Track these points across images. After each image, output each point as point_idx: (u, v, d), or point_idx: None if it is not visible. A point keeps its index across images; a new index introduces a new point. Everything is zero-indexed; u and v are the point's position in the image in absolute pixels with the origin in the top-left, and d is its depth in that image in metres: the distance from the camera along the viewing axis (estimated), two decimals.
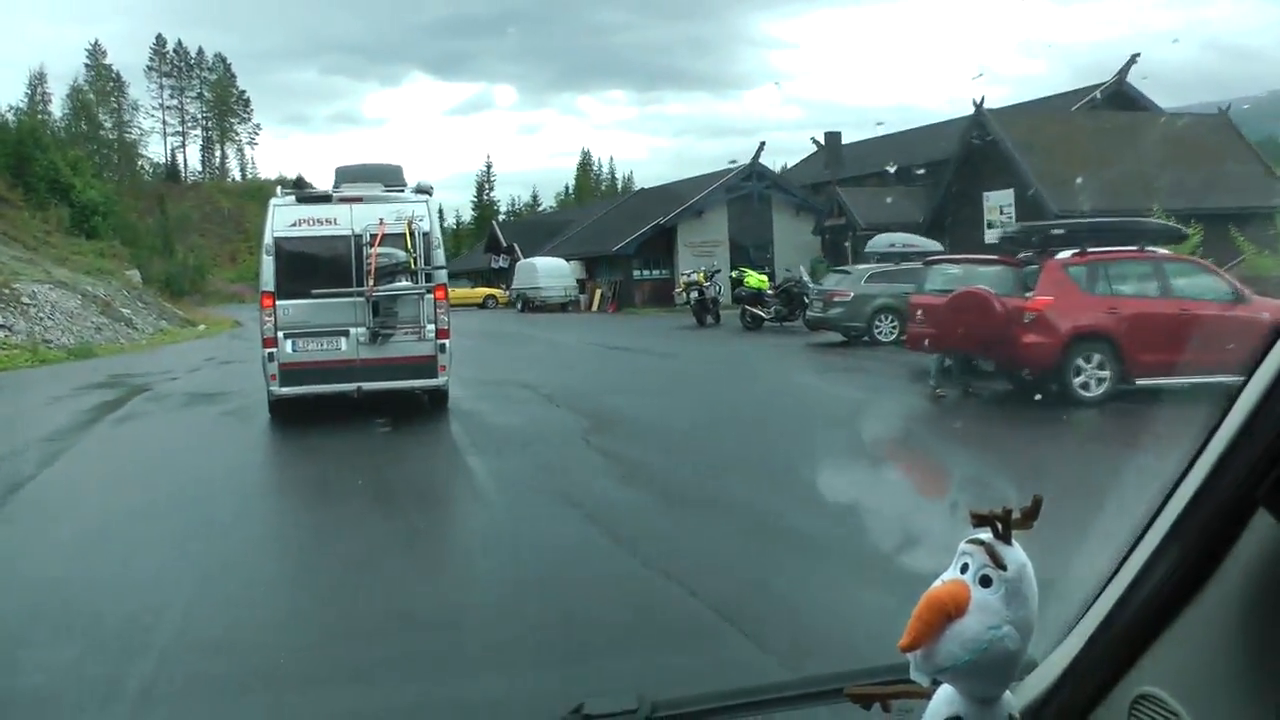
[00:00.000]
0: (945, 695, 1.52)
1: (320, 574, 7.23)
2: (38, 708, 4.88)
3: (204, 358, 28.27)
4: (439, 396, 14.31)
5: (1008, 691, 1.54)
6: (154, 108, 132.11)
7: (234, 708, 4.79)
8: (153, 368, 25.39)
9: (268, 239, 13.33)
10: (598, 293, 48.03)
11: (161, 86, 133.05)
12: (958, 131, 46.49)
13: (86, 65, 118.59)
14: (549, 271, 47.95)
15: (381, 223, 13.28)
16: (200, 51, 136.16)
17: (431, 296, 13.55)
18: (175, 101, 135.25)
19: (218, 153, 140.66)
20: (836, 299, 23.79)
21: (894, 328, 23.19)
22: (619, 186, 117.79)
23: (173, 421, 15.69)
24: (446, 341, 13.65)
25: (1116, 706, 1.46)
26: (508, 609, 6.05)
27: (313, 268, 13.33)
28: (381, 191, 13.90)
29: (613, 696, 1.84)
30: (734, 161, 49.68)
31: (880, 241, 25.73)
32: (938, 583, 1.48)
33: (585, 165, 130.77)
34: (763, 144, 48.08)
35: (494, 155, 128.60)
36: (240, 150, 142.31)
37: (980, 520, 1.48)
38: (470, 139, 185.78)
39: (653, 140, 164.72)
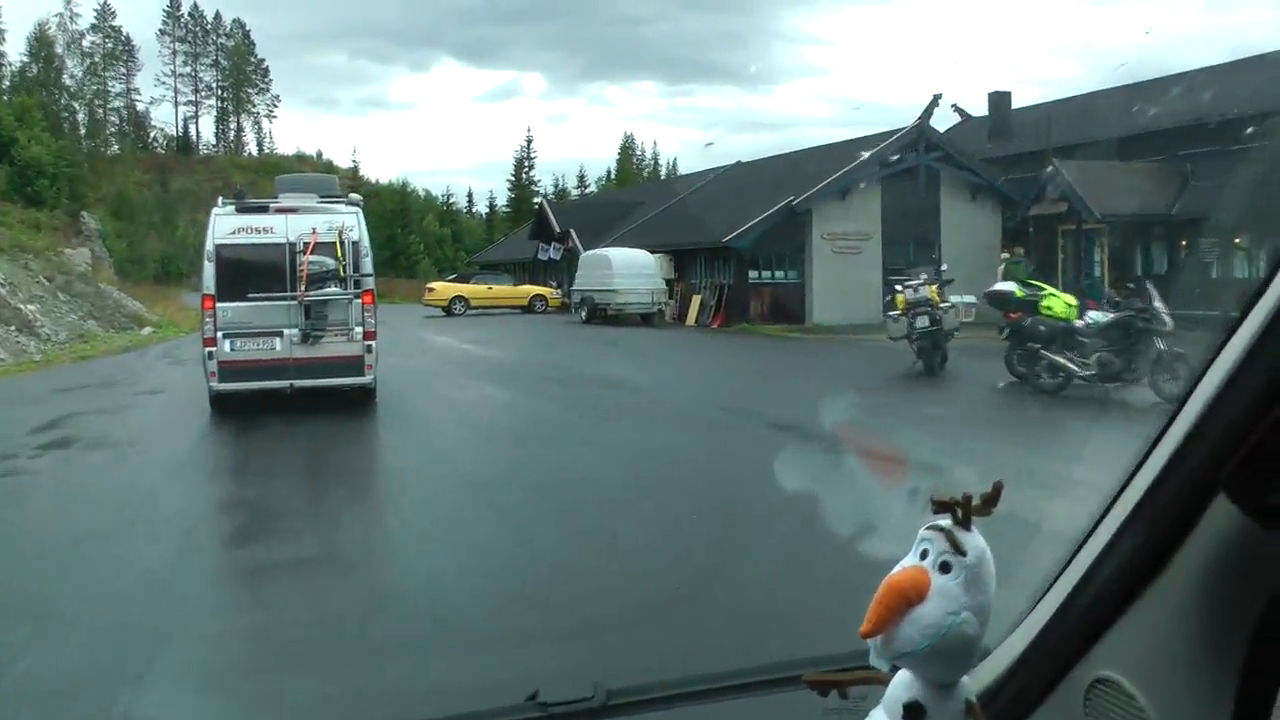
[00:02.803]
0: (903, 681, 1.51)
1: None
2: None
3: (56, 415, 15.16)
4: (367, 393, 14.95)
5: (965, 677, 1.52)
6: (165, 74, 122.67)
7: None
8: None
9: (209, 246, 14.29)
10: (695, 300, 34.40)
11: (175, 52, 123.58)
12: (1176, 91, 33.59)
13: (84, 19, 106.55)
14: (629, 267, 34.35)
15: (314, 232, 14.36)
16: (217, 16, 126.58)
17: (359, 301, 14.58)
18: (189, 69, 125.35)
19: (233, 125, 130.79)
20: None
21: None
22: (662, 174, 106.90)
23: None
24: (373, 343, 14.71)
25: (1073, 690, 1.48)
26: None
27: (250, 273, 14.23)
28: (316, 202, 14.98)
29: (568, 683, 1.87)
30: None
31: None
32: (897, 569, 1.47)
33: (628, 150, 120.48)
34: (937, 98, 34.70)
35: (522, 143, 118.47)
36: (257, 123, 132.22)
37: (940, 506, 1.47)
38: (498, 127, 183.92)
39: (682, 133, 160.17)
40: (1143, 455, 1.38)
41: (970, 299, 33.35)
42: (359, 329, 14.58)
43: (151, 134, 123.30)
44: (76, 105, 69.18)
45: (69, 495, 10.26)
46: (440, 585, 6.69)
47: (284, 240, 14.29)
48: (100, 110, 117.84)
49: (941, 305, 18.53)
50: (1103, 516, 1.45)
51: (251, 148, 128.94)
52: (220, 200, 15.04)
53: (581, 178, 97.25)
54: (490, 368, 21.33)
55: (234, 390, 14.29)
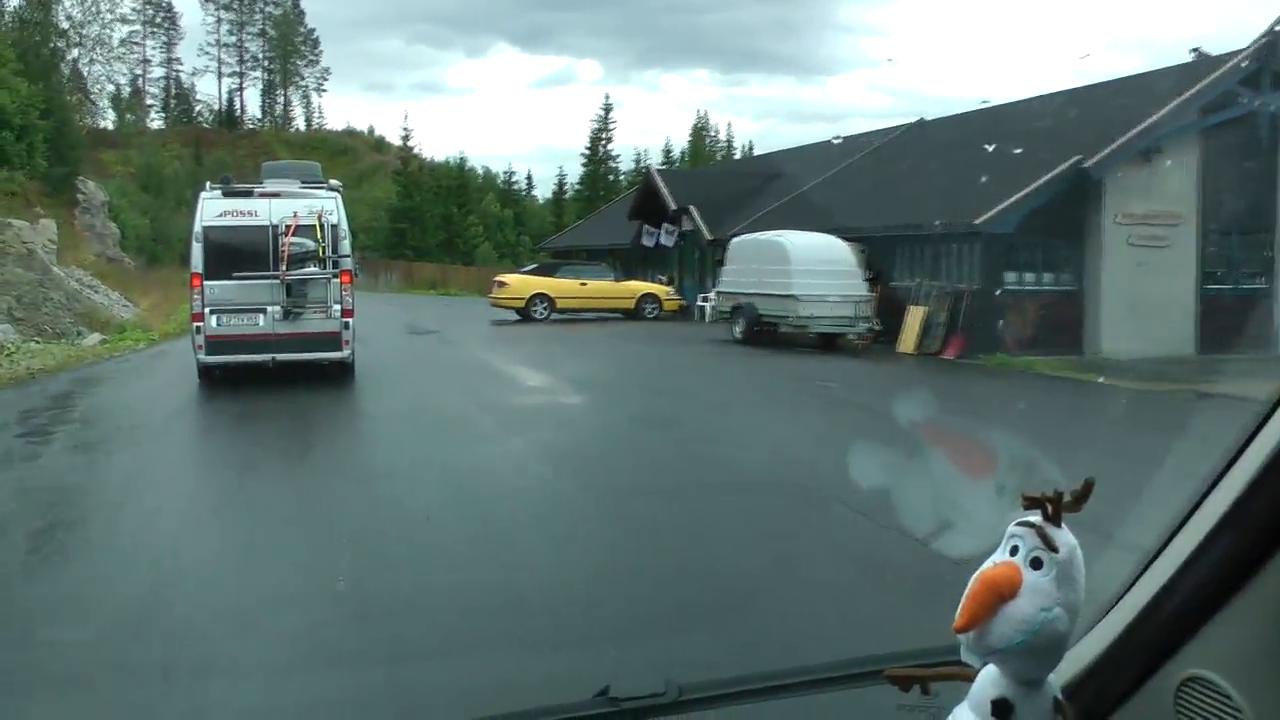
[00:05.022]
0: (990, 677, 1.50)
1: None
2: None
3: None
4: (344, 367, 15.84)
5: (1051, 674, 1.50)
6: (209, 44, 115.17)
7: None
8: None
9: (197, 228, 15.12)
10: (916, 314, 22.43)
11: (219, 21, 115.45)
12: None
13: None
14: (817, 262, 22.19)
15: (295, 215, 15.10)
16: None
17: (338, 280, 15.34)
18: (234, 39, 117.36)
19: (280, 98, 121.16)
20: None
21: None
22: (736, 156, 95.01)
23: None
24: (350, 320, 15.46)
25: (1163, 688, 1.45)
26: None
27: (236, 253, 14.94)
28: (299, 187, 15.75)
29: (639, 679, 1.81)
30: None
31: None
32: (987, 564, 1.45)
33: (701, 131, 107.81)
34: None
35: (575, 131, 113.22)
36: (306, 97, 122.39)
37: (1031, 503, 1.46)
38: (554, 113, 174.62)
39: (736, 122, 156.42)
40: (1237, 449, 1.34)
41: None
42: (337, 306, 15.32)
43: (196, 108, 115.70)
44: (70, 50, 58.21)
45: None
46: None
47: (267, 223, 15.06)
48: (140, 80, 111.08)
49: None
50: (1193, 510, 1.42)
51: (299, 122, 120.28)
52: (208, 184, 16.01)
53: (667, 152, 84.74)
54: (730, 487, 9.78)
55: (220, 363, 15.24)
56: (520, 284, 31.45)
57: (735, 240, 25.42)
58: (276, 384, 15.42)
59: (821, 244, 22.71)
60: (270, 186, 15.57)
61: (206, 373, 15.37)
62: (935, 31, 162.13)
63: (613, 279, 32.64)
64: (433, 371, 18.49)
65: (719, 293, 25.53)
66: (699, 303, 31.34)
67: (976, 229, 20.83)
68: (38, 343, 22.05)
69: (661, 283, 34.00)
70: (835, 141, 34.50)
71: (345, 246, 15.55)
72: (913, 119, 33.86)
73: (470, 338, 25.81)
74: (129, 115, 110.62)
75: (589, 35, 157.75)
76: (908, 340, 22.11)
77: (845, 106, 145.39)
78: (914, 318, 22.19)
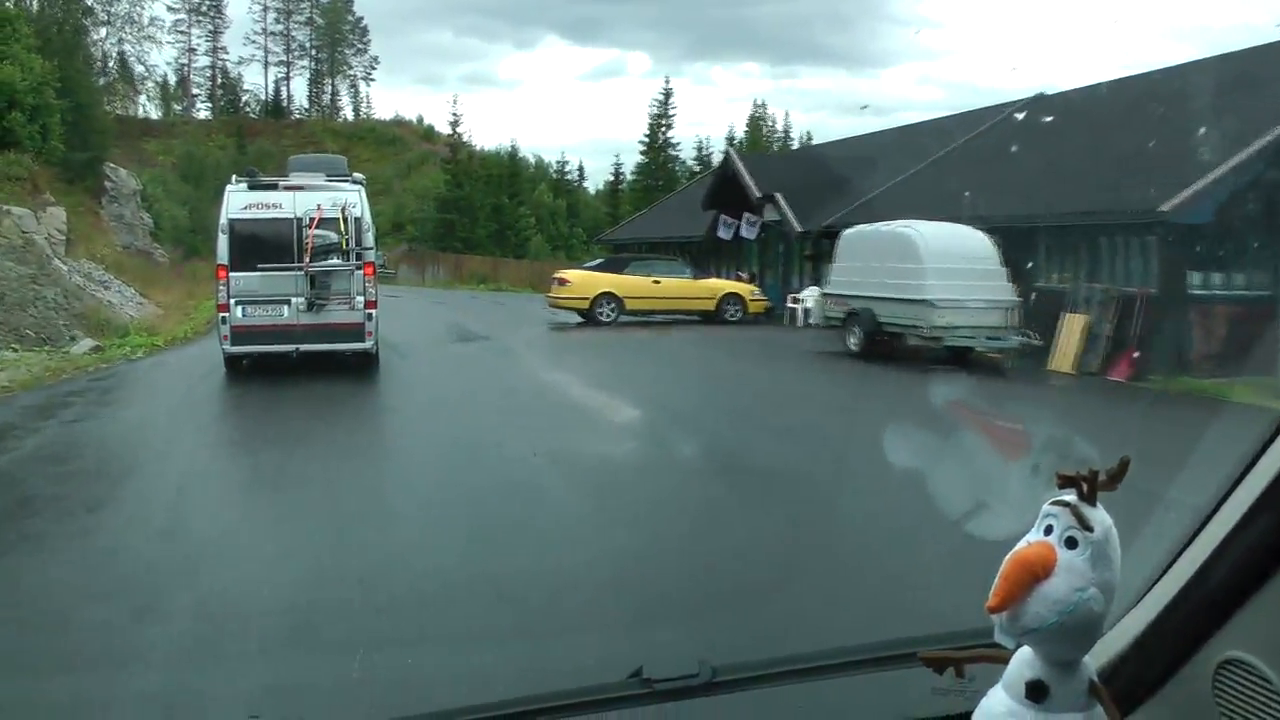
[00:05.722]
0: (1025, 658, 1.46)
1: None
2: None
3: None
4: (367, 358, 16.06)
5: (1086, 656, 1.45)
6: (255, 33, 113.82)
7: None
8: None
9: (223, 220, 15.32)
10: (1074, 323, 18.20)
11: (266, 9, 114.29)
12: None
13: None
14: (953, 259, 17.92)
15: (319, 208, 15.30)
16: None
17: (361, 272, 15.55)
18: (280, 26, 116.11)
19: (327, 87, 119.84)
20: None
21: None
22: (794, 146, 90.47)
23: None
24: (373, 311, 15.67)
25: (1200, 671, 1.42)
26: None
27: (260, 245, 15.20)
28: (323, 180, 15.89)
29: (672, 661, 1.78)
30: None
31: None
32: (1021, 544, 1.42)
33: (758, 120, 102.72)
34: None
35: (627, 124, 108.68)
36: (354, 86, 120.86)
37: (1066, 481, 1.42)
38: (604, 106, 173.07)
39: (787, 114, 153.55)
40: (1272, 432, 1.31)
41: None
42: (360, 298, 15.51)
43: (243, 98, 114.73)
44: (97, 29, 54.81)
45: None
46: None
47: (291, 215, 15.20)
48: (186, 69, 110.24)
49: None
50: (1229, 493, 1.39)
51: (347, 112, 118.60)
52: (234, 178, 16.02)
53: (730, 140, 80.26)
54: None
55: (245, 352, 15.56)
56: (584, 281, 27.51)
57: (848, 232, 21.23)
58: (284, 422, 12.36)
59: (959, 236, 18.53)
60: (295, 179, 15.87)
61: (231, 362, 15.83)
62: (989, 23, 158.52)
63: (689, 276, 28.60)
64: (486, 400, 14.64)
65: (826, 295, 21.31)
66: (789, 304, 27.41)
67: (1161, 217, 16.68)
68: (14, 350, 18.56)
69: (742, 280, 30.04)
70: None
71: (369, 239, 15.75)
72: (955, 111, 30.14)
73: (529, 346, 22.05)
74: (174, 105, 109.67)
75: (638, 28, 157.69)
76: (1064, 356, 17.96)
77: (897, 99, 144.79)
78: (1072, 328, 18.05)
